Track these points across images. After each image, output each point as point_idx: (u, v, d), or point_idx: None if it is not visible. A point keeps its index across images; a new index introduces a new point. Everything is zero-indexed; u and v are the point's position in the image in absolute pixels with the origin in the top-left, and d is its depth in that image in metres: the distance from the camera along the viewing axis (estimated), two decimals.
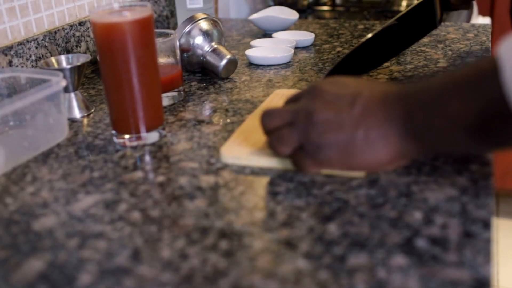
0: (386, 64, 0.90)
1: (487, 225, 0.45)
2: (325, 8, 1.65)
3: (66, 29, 0.93)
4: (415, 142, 0.48)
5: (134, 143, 0.64)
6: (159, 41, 0.75)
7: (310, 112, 0.51)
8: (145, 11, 0.61)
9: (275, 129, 0.54)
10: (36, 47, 0.86)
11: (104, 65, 0.62)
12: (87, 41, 0.99)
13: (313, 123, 0.51)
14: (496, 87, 0.40)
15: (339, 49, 1.01)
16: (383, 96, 0.50)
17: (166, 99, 0.76)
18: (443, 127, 0.46)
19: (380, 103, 0.50)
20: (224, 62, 0.84)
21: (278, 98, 0.74)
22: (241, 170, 0.57)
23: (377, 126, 0.49)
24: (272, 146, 0.54)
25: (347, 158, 0.51)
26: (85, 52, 0.98)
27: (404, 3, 1.59)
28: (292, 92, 0.58)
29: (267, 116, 0.55)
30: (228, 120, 0.71)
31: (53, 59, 0.76)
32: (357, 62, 0.82)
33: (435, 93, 0.46)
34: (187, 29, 0.85)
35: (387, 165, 0.51)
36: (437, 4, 0.77)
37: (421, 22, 0.80)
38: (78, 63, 0.73)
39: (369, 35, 0.76)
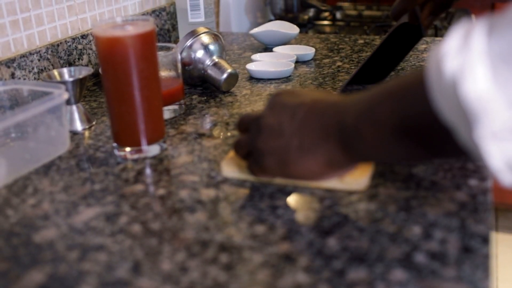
0: (388, 80, 0.90)
1: (485, 240, 0.45)
2: (326, 22, 1.66)
3: (68, 42, 0.94)
4: (346, 151, 0.49)
5: (135, 156, 0.65)
6: (160, 54, 0.75)
7: (259, 120, 0.54)
8: (147, 25, 0.62)
9: (240, 134, 0.59)
10: (39, 60, 0.87)
11: (106, 78, 0.63)
12: (89, 54, 0.99)
13: (259, 131, 0.53)
14: (421, 97, 0.40)
15: (339, 63, 1.01)
16: (323, 107, 0.51)
17: (167, 112, 0.77)
18: (370, 136, 0.46)
19: (319, 113, 0.50)
20: (225, 76, 0.85)
21: None
22: (241, 184, 0.57)
23: (312, 135, 0.50)
24: (234, 150, 0.58)
25: (284, 166, 0.52)
26: (87, 65, 0.99)
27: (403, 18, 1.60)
28: None
29: (238, 122, 0.59)
30: (229, 134, 0.71)
31: (55, 72, 0.76)
32: (365, 76, 0.84)
33: (365, 102, 0.47)
34: (188, 43, 0.86)
35: (320, 174, 0.52)
36: (420, 16, 0.79)
37: (409, 34, 0.82)
38: (80, 76, 0.74)
39: (371, 53, 0.78)
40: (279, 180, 0.56)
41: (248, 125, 0.56)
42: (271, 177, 0.55)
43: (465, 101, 0.36)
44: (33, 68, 0.86)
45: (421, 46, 1.11)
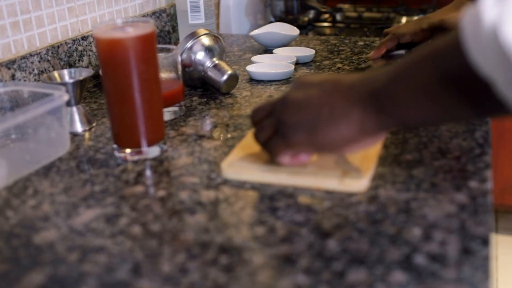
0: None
1: (485, 241, 0.45)
2: (326, 24, 1.66)
3: (68, 44, 0.94)
4: (379, 115, 0.48)
5: (135, 157, 0.65)
6: (161, 56, 0.75)
7: (284, 99, 0.54)
8: (147, 27, 0.62)
9: (259, 122, 0.57)
10: (39, 61, 0.87)
11: (107, 79, 0.63)
12: (89, 55, 0.99)
13: (285, 106, 0.54)
14: (457, 54, 0.41)
15: (339, 65, 1.01)
16: (351, 79, 0.52)
17: (168, 113, 0.77)
18: (405, 96, 0.46)
19: (348, 85, 0.51)
20: (225, 77, 0.85)
21: None
22: (241, 185, 0.57)
23: (342, 103, 0.50)
24: (255, 137, 0.58)
25: (314, 135, 0.52)
26: (87, 67, 0.99)
27: (403, 20, 1.60)
28: None
29: (254, 111, 0.58)
30: (229, 135, 0.71)
31: (55, 73, 0.76)
32: None
33: (399, 67, 0.47)
34: (188, 44, 0.86)
35: (352, 142, 0.51)
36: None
37: None
38: (81, 78, 0.74)
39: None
40: (279, 181, 0.56)
41: (269, 110, 0.56)
42: (297, 149, 0.54)
43: (507, 46, 0.36)
44: (33, 70, 0.86)
45: None
